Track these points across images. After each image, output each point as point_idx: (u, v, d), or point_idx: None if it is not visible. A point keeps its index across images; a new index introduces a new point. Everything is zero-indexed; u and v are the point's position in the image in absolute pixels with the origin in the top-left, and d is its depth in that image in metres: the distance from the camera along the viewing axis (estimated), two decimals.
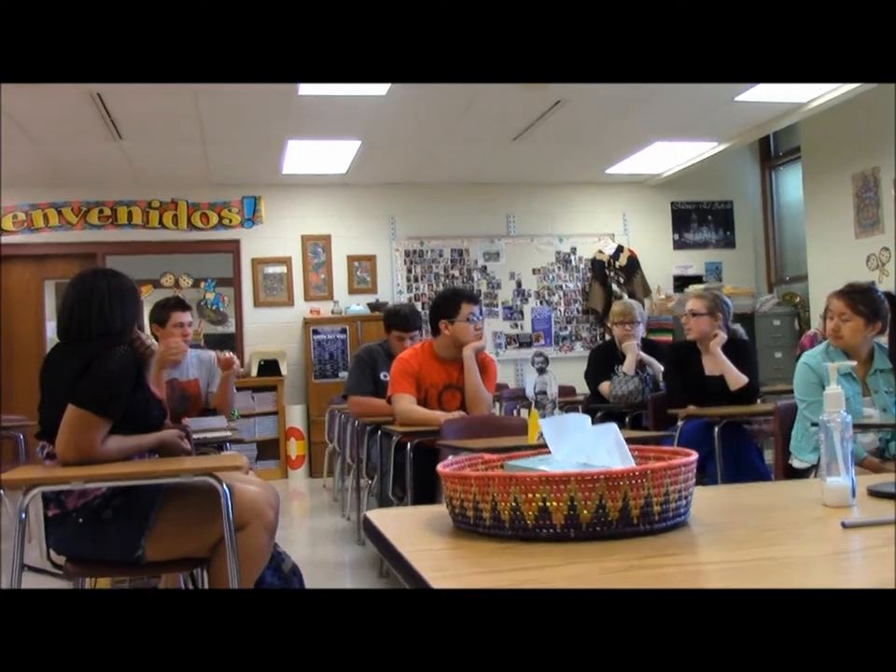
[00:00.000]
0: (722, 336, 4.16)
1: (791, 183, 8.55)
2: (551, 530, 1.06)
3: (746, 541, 1.07)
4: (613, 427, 1.21)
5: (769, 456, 4.37)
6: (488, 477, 1.10)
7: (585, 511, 1.05)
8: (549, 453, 1.28)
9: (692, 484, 1.15)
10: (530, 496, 1.06)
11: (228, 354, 3.98)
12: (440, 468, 1.19)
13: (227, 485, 2.38)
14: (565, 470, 1.08)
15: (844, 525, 1.10)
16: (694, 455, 1.15)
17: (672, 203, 8.88)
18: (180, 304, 4.09)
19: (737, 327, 4.42)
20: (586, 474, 1.06)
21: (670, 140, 7.26)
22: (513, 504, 1.07)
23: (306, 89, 5.42)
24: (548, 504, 1.06)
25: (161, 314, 4.01)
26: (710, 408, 3.93)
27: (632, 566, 0.95)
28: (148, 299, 6.97)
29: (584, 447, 1.18)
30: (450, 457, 1.32)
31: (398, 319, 4.53)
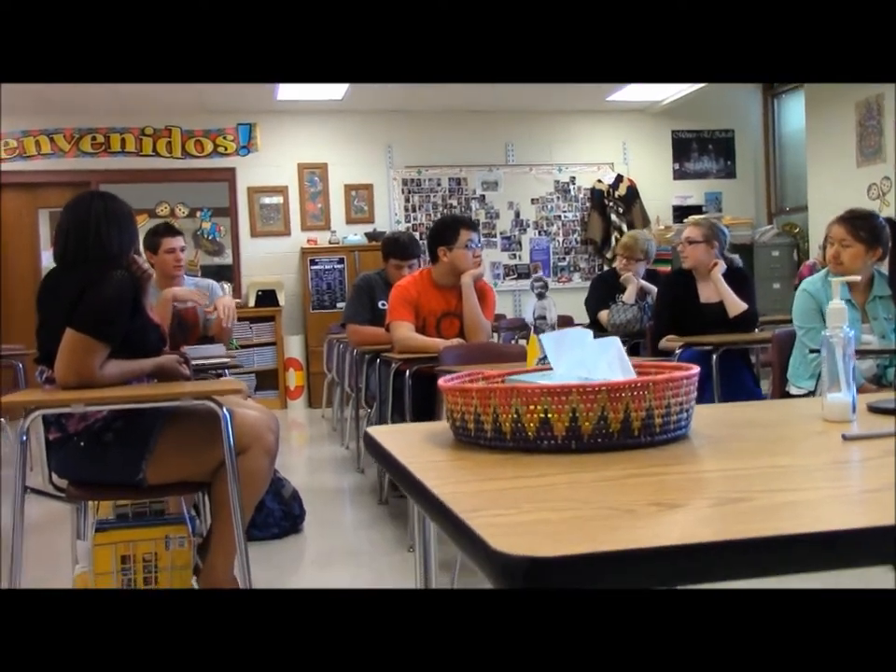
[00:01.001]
0: (723, 264, 4.14)
1: (794, 111, 8.43)
2: (552, 441, 1.06)
3: (747, 452, 1.08)
4: (615, 340, 1.20)
5: (766, 387, 4.40)
6: (489, 389, 1.10)
7: (587, 423, 1.06)
8: (550, 370, 1.27)
9: (693, 398, 1.15)
10: (532, 407, 1.06)
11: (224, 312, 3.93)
12: (441, 381, 1.19)
13: (227, 409, 2.39)
14: (566, 382, 1.07)
15: (844, 438, 1.10)
16: (696, 369, 1.15)
17: (673, 132, 8.77)
18: (170, 230, 4.08)
19: (734, 256, 4.40)
20: (588, 386, 1.05)
21: None
22: (515, 416, 1.07)
23: None
24: (549, 416, 1.06)
25: (153, 240, 4.00)
26: (708, 336, 3.93)
27: (634, 473, 0.96)
28: (144, 228, 6.90)
29: (585, 361, 1.17)
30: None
31: (396, 247, 4.50)
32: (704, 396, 3.66)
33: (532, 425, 1.06)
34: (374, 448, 1.21)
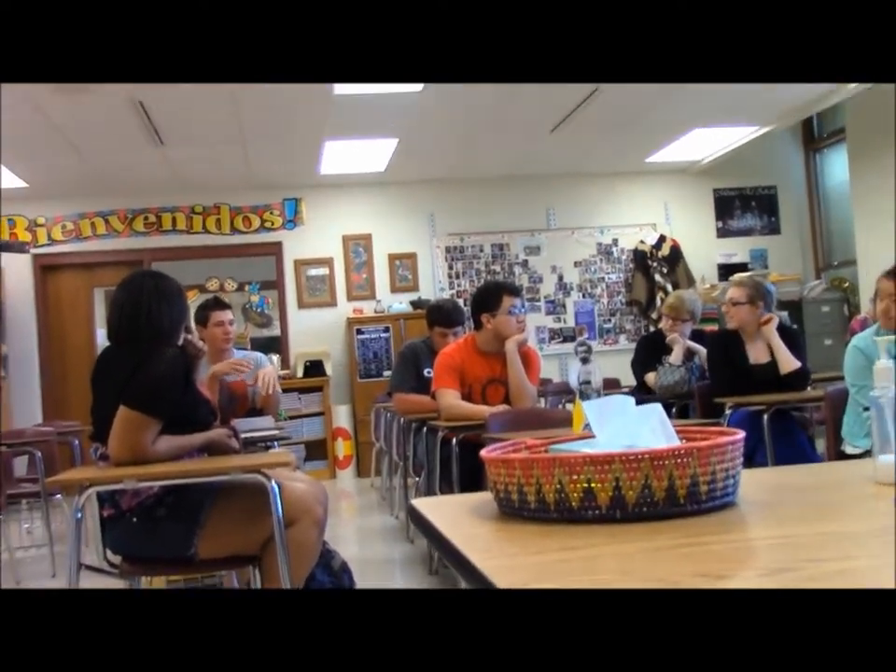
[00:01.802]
0: (776, 319, 4.08)
1: (837, 165, 8.39)
2: (596, 511, 1.06)
3: (797, 518, 1.06)
4: (657, 407, 1.20)
5: (820, 446, 4.29)
6: (532, 459, 1.10)
7: (631, 492, 1.05)
8: (593, 437, 1.27)
9: (739, 464, 1.13)
10: (575, 477, 1.05)
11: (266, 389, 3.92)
12: (483, 453, 1.20)
13: (276, 482, 2.41)
14: (609, 451, 1.07)
15: None
16: (741, 434, 1.14)
17: (714, 191, 8.77)
18: (219, 304, 4.16)
19: (782, 314, 4.35)
20: (631, 454, 1.05)
21: (710, 126, 7.18)
22: (558, 486, 1.07)
23: (341, 88, 5.45)
24: (593, 485, 1.05)
25: (203, 314, 4.08)
26: (758, 395, 3.87)
27: (681, 543, 0.94)
28: (195, 303, 7.07)
29: (628, 428, 1.17)
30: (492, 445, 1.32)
31: (440, 315, 4.53)
32: (756, 458, 3.61)
33: (576, 495, 1.06)
34: (419, 520, 1.21)
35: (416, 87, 5.50)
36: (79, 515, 2.36)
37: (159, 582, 3.28)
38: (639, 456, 1.05)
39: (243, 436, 3.19)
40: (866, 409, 3.00)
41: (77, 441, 5.41)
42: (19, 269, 7.73)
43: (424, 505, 1.26)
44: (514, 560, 0.94)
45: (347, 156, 7.25)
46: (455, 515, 1.20)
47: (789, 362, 4.04)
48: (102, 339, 7.85)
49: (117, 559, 2.59)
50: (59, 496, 5.03)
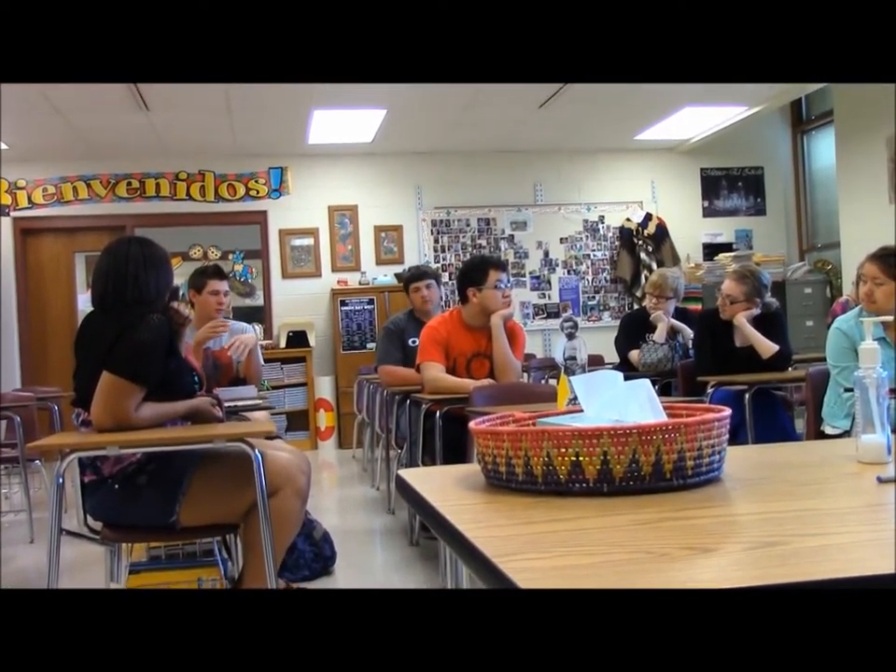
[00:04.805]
0: (750, 313, 4.12)
1: (824, 148, 8.41)
2: (584, 485, 1.06)
3: (781, 494, 1.07)
4: (646, 382, 1.20)
5: (800, 426, 4.34)
6: (521, 432, 1.11)
7: (618, 466, 1.06)
8: (581, 412, 1.28)
9: (725, 440, 1.14)
10: (563, 450, 1.06)
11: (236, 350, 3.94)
12: (472, 425, 1.20)
13: (259, 451, 2.41)
14: (597, 425, 1.08)
15: (879, 480, 1.09)
16: (727, 411, 1.15)
17: (702, 170, 8.77)
18: (218, 273, 4.12)
19: (772, 300, 4.37)
20: (619, 428, 1.06)
21: (699, 105, 7.16)
22: (546, 459, 1.07)
23: None
24: (581, 459, 1.06)
25: (199, 280, 4.05)
26: (741, 375, 3.89)
27: (666, 517, 0.95)
28: (178, 271, 7.02)
29: (616, 403, 1.18)
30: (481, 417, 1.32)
31: (409, 275, 4.78)
32: (738, 436, 3.64)
33: (563, 468, 1.07)
34: (406, 491, 1.22)
35: None
36: (61, 481, 2.35)
37: (139, 549, 3.27)
38: (627, 431, 1.06)
39: (225, 405, 3.18)
40: (847, 390, 3.03)
41: (56, 407, 5.38)
42: None
43: (411, 475, 1.26)
44: (503, 531, 0.94)
45: (335, 125, 7.18)
46: (442, 486, 1.21)
47: (767, 348, 4.08)
48: (83, 304, 7.79)
49: (97, 525, 2.59)
50: (38, 461, 5.01)
